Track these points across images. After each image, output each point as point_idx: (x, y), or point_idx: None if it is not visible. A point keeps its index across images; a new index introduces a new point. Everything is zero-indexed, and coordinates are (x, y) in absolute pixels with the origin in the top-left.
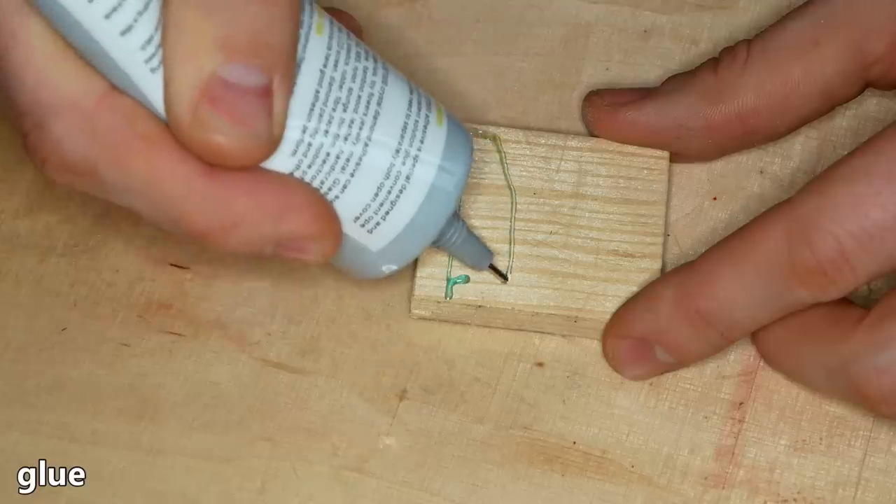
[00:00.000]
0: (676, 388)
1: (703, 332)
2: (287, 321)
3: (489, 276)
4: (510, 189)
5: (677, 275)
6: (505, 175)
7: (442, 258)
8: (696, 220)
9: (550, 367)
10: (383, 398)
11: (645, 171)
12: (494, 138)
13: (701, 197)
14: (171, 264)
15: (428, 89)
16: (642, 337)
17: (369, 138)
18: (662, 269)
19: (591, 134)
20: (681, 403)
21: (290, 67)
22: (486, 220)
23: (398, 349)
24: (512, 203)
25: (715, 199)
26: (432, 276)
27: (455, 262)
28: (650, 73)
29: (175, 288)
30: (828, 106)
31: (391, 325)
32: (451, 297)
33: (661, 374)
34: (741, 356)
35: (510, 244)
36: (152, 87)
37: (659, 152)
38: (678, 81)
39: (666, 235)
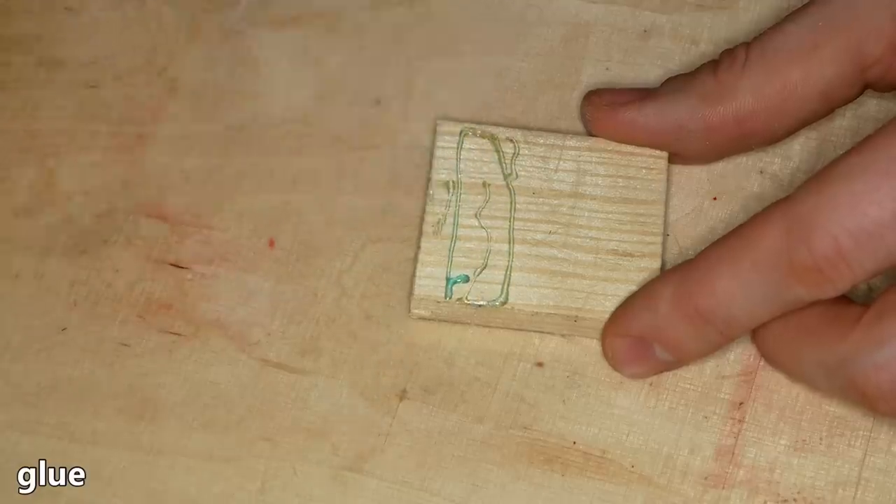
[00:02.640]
0: (676, 388)
1: (702, 330)
2: (287, 321)
3: (490, 275)
4: (509, 189)
5: (676, 273)
6: (504, 175)
7: (441, 259)
8: (696, 220)
9: (550, 366)
10: (383, 398)
11: (644, 171)
12: (493, 138)
13: (701, 197)
14: (171, 264)
15: (428, 89)
16: (641, 335)
17: None
18: (662, 269)
19: (590, 133)
20: (681, 403)
21: None
22: (485, 220)
23: (398, 349)
24: (511, 203)
25: (715, 199)
26: (432, 276)
27: (455, 261)
28: (650, 73)
29: (175, 288)
30: (826, 108)
31: (391, 325)
32: (450, 297)
33: (660, 373)
34: (741, 356)
35: (510, 244)
36: None
37: (658, 152)
38: (678, 82)
39: (665, 235)
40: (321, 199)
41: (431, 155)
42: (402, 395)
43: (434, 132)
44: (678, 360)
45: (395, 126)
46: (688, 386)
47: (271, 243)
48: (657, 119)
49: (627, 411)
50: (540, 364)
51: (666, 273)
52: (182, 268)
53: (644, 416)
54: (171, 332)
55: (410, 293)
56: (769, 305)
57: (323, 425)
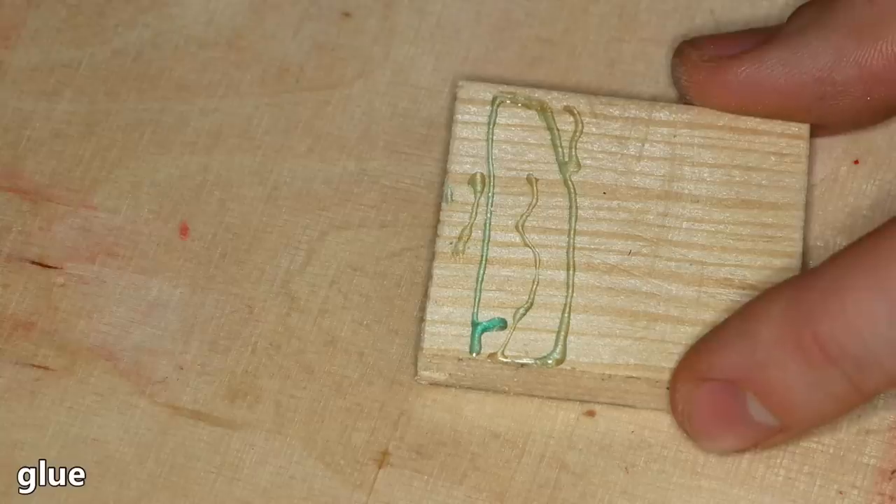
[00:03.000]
0: (796, 449)
1: (822, 374)
2: (208, 348)
3: (538, 319)
4: (568, 186)
5: (789, 287)
6: (559, 164)
7: (464, 293)
8: (829, 193)
9: (606, 416)
10: (354, 464)
11: (773, 158)
12: (543, 108)
13: (836, 159)
14: (33, 262)
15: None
16: (730, 378)
17: None
18: None
19: (689, 102)
20: (802, 472)
21: None
22: (531, 234)
23: (376, 391)
24: (571, 208)
25: (857, 162)
26: (450, 320)
27: (485, 297)
28: (770, 9)
29: (39, 298)
30: None
31: (366, 353)
32: (478, 352)
33: (757, 447)
34: (893, 402)
35: (568, 270)
36: None
37: (793, 127)
38: (812, 13)
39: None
40: (259, 163)
41: (449, 134)
42: (384, 460)
43: (453, 98)
44: (784, 426)
45: (371, 52)
46: (813, 444)
47: (183, 230)
48: (787, 73)
49: (722, 484)
50: (590, 413)
51: (775, 287)
52: (49, 267)
53: (747, 490)
54: (33, 365)
55: (416, 344)
56: None
57: None
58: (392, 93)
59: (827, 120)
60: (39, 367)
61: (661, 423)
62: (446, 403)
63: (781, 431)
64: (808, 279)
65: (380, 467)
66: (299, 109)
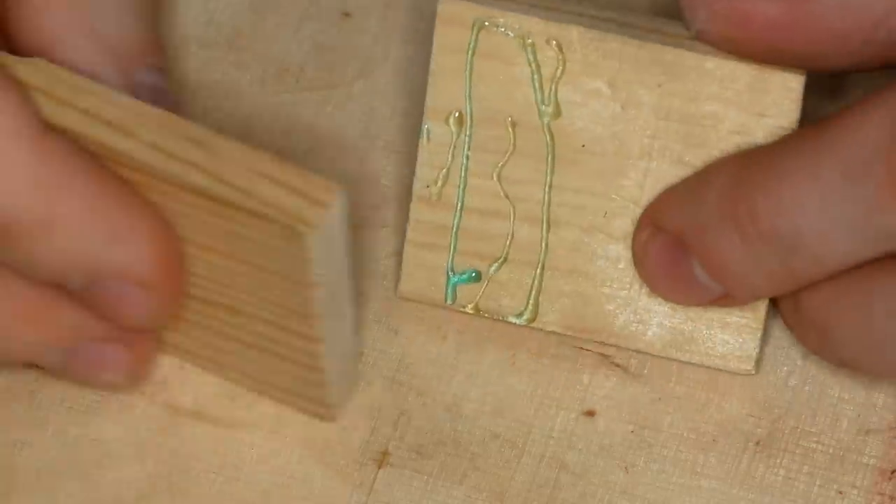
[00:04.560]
0: (796, 448)
1: (755, 248)
2: None
3: (512, 275)
4: (546, 135)
5: (738, 158)
6: (539, 110)
7: (441, 238)
8: None
9: (605, 416)
10: (353, 464)
11: (765, 118)
12: (525, 40)
13: None
14: None
15: None
16: (678, 233)
17: None
18: None
19: (700, 36)
20: (802, 472)
21: None
22: (510, 184)
23: (375, 390)
24: (549, 157)
25: None
26: (425, 265)
27: (461, 247)
28: None
29: None
30: None
31: (365, 353)
32: (453, 301)
33: (704, 305)
34: (893, 402)
35: (543, 227)
36: None
37: (789, 85)
38: None
39: None
40: None
41: (429, 66)
42: (383, 460)
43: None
44: (727, 291)
45: (371, 52)
46: (813, 444)
47: None
48: (842, 14)
49: (721, 484)
50: (590, 413)
51: (726, 157)
52: None
53: (747, 490)
54: (32, 365)
55: (396, 277)
56: (850, 232)
57: None
58: (392, 93)
59: (859, 67)
60: (38, 367)
61: (661, 423)
62: (446, 403)
63: (728, 297)
64: (754, 154)
65: (380, 467)
66: (299, 109)
